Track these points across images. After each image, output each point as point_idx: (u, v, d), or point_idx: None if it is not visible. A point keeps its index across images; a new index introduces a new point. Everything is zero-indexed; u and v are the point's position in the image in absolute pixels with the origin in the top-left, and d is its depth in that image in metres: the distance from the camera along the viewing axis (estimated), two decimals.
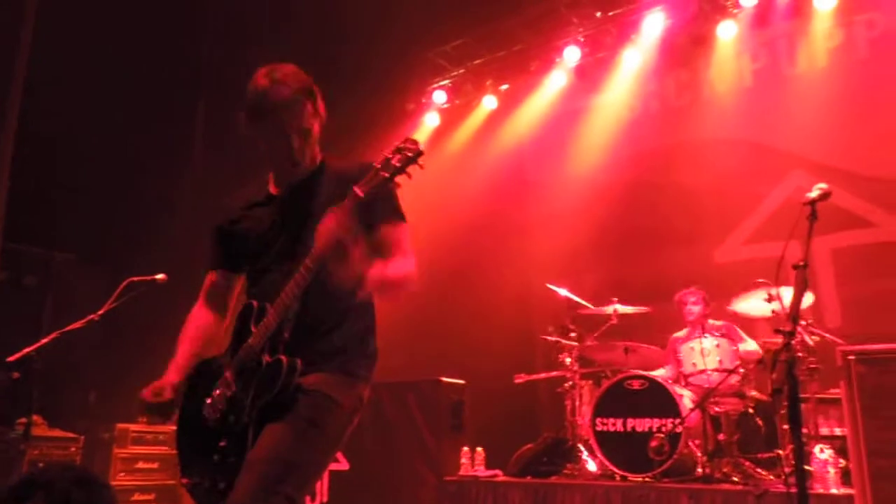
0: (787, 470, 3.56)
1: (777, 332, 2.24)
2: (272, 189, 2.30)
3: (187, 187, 8.55)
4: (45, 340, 4.11)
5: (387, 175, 1.95)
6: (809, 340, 4.52)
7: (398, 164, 1.96)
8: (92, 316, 4.17)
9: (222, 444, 2.03)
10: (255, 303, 2.12)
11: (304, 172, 2.29)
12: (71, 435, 5.65)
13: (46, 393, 6.22)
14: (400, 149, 1.97)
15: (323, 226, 1.89)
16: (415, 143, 1.99)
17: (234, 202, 2.40)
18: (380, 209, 2.13)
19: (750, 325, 5.38)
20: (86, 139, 7.48)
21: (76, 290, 6.66)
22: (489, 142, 8.07)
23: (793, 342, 2.39)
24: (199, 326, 2.35)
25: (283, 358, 2.00)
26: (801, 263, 2.38)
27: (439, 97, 8.35)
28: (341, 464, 5.25)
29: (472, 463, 4.97)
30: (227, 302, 2.41)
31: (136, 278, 4.32)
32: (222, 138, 8.47)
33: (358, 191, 1.93)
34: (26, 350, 4.07)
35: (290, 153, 2.23)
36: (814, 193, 2.50)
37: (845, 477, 3.62)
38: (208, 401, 2.09)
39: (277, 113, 2.20)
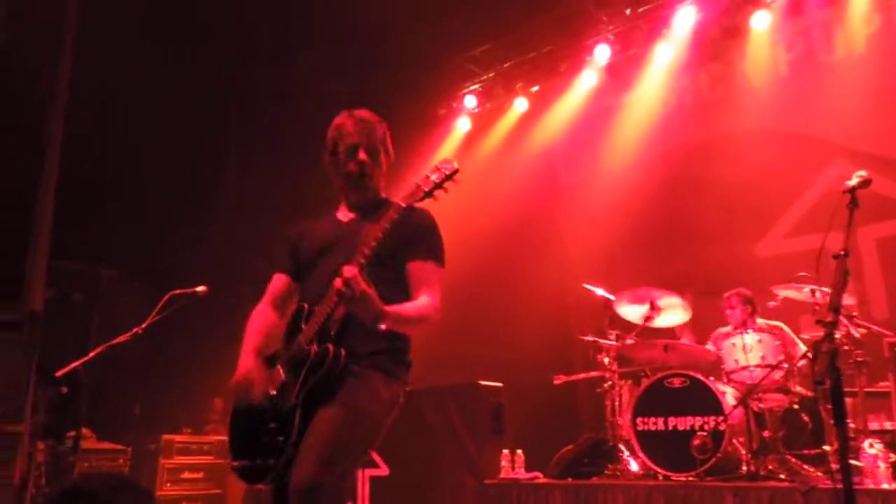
0: (833, 466, 3.46)
1: (819, 323, 2.18)
2: (339, 215, 2.62)
3: (223, 204, 8.71)
4: (91, 354, 4.22)
5: (427, 189, 2.27)
6: (856, 333, 4.40)
7: (436, 181, 2.28)
8: (136, 329, 4.27)
9: (272, 426, 2.27)
10: (306, 305, 2.40)
11: (368, 202, 2.56)
12: (119, 447, 5.79)
13: (94, 406, 6.38)
14: (437, 167, 2.29)
15: (338, 280, 2.12)
16: (450, 162, 2.30)
17: (307, 221, 2.74)
18: (415, 245, 2.42)
19: (795, 319, 5.28)
20: (128, 159, 7.69)
21: (121, 306, 6.82)
22: (521, 144, 8.05)
23: (835, 333, 2.34)
24: (264, 323, 2.56)
25: (330, 346, 2.25)
26: (842, 253, 2.31)
27: (470, 101, 8.37)
28: (381, 469, 5.27)
29: (513, 466, 4.94)
30: (287, 305, 2.62)
31: (177, 291, 4.41)
32: (253, 157, 8.63)
33: (401, 202, 2.25)
34: (73, 364, 4.17)
35: (359, 182, 2.55)
36: (853, 181, 2.43)
37: None
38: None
39: (354, 146, 2.54)
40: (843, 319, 4.44)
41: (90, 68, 7.23)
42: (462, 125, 8.49)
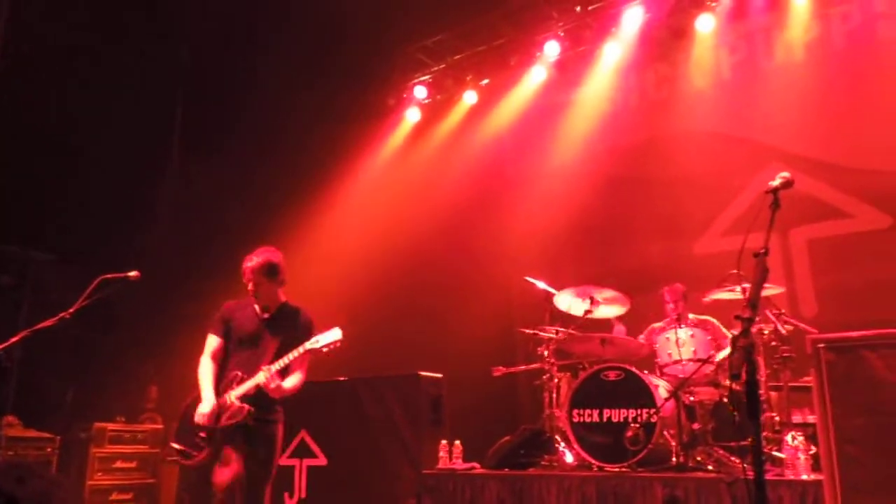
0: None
1: (736, 318, 2.25)
2: (258, 309, 4.02)
3: (166, 190, 8.51)
4: (14, 339, 4.06)
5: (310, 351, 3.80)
6: (783, 330, 4.55)
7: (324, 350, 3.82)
8: (63, 314, 4.11)
9: (202, 434, 3.77)
10: (238, 373, 3.82)
11: (271, 309, 4.02)
12: (46, 435, 5.62)
13: (22, 393, 6.19)
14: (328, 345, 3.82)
15: (266, 381, 3.71)
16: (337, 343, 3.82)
17: (237, 303, 4.09)
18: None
19: (730, 316, 5.42)
20: (64, 139, 7.44)
21: (55, 291, 6.61)
22: (470, 137, 8.07)
23: (752, 328, 2.42)
24: (211, 372, 3.91)
25: (247, 406, 3.75)
26: (762, 251, 2.38)
27: (420, 92, 8.34)
28: (319, 459, 5.25)
29: (451, 456, 4.97)
30: (219, 359, 3.97)
31: (108, 276, 4.28)
32: (200, 142, 8.45)
33: (298, 351, 3.79)
34: None
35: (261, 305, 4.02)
36: (776, 182, 2.50)
37: (816, 463, 3.64)
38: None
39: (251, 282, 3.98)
40: (771, 316, 4.60)
41: (27, 42, 6.98)
42: (411, 116, 8.46)
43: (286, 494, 5.30)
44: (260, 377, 3.70)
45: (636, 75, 7.37)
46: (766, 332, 4.58)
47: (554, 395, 5.13)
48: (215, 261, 7.47)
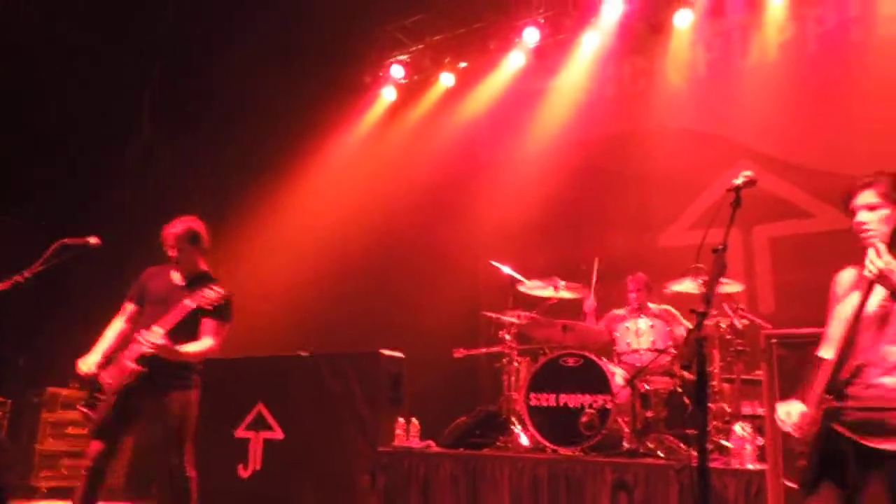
0: (709, 446, 3.65)
1: (692, 311, 2.29)
2: (173, 277, 4.07)
3: (133, 160, 8.37)
4: None
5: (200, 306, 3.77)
6: (738, 324, 4.64)
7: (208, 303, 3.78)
8: (17, 277, 4.03)
9: (98, 395, 3.82)
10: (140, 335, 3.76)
11: (189, 277, 4.04)
12: None
13: None
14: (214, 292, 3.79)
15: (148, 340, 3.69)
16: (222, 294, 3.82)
17: (157, 269, 4.15)
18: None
19: (689, 309, 5.50)
20: (32, 104, 7.26)
21: (17, 254, 6.47)
22: (445, 119, 8.05)
23: (705, 322, 2.47)
24: (114, 331, 4.04)
25: (136, 367, 3.72)
26: (720, 247, 2.42)
27: (397, 72, 8.28)
28: (276, 433, 5.24)
29: (408, 434, 5.00)
30: (133, 323, 4.03)
31: (68, 240, 4.21)
32: (171, 115, 8.31)
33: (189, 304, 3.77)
34: None
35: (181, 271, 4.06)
36: (739, 180, 2.54)
37: (762, 454, 3.73)
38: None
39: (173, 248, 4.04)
40: (728, 311, 4.69)
41: None
42: (387, 94, 8.41)
43: (241, 466, 5.29)
44: (146, 336, 3.68)
45: (613, 67, 7.39)
46: (722, 325, 4.67)
47: (513, 379, 5.18)
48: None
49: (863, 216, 2.47)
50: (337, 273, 7.34)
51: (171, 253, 4.05)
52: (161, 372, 3.73)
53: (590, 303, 5.53)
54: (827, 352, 2.37)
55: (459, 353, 5.69)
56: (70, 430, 5.97)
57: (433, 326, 6.56)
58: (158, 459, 3.96)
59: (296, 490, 5.05)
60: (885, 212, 2.45)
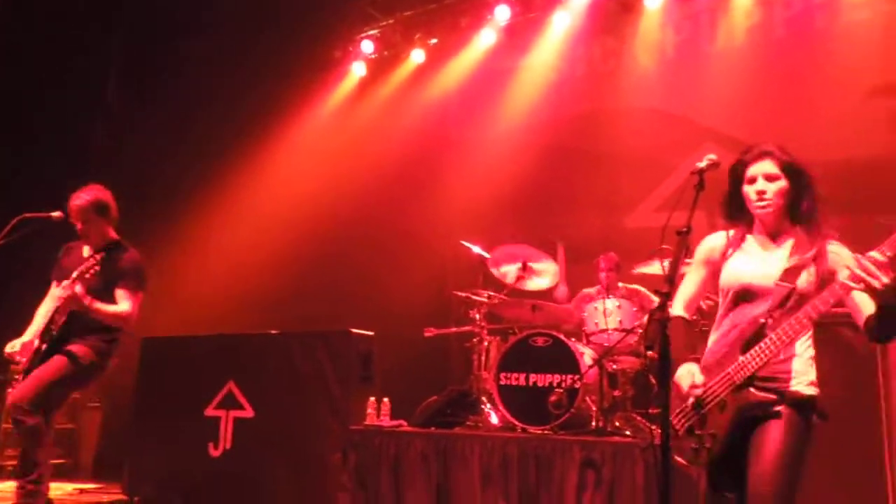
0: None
1: (655, 293, 2.35)
2: (84, 251, 4.22)
3: (100, 133, 8.20)
4: None
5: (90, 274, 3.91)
6: (703, 305, 4.74)
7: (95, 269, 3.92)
8: None
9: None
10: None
11: (100, 247, 4.13)
12: None
13: None
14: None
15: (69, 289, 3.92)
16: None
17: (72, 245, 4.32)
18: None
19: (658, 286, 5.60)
20: None
21: None
22: (415, 96, 8.02)
23: (668, 302, 2.54)
24: (42, 313, 4.22)
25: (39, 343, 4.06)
26: (684, 230, 2.48)
27: (367, 47, 8.22)
28: (246, 411, 5.25)
29: (378, 413, 5.04)
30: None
31: (29, 214, 4.17)
32: (139, 87, 8.14)
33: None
34: None
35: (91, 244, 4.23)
36: (703, 163, 2.58)
37: None
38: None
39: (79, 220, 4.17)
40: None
41: None
42: (357, 70, 8.34)
43: (210, 444, 5.29)
44: (62, 286, 3.86)
45: (583, 46, 7.41)
46: (703, 304, 4.75)
47: (483, 358, 5.24)
48: (147, 208, 7.30)
49: (762, 185, 2.52)
50: (306, 251, 7.31)
51: (78, 226, 4.11)
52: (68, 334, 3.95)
53: (561, 290, 5.60)
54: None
55: (430, 332, 5.73)
56: None
57: (403, 305, 6.59)
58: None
59: (267, 468, 5.07)
60: (782, 184, 2.53)
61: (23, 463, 3.90)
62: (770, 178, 2.52)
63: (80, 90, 7.73)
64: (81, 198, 4.06)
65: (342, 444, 4.86)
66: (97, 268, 3.87)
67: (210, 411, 5.37)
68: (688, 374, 2.48)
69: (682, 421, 2.47)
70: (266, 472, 5.07)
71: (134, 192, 7.07)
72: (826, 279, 2.41)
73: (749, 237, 2.64)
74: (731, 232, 2.65)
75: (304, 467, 4.98)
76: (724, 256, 2.63)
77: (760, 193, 2.53)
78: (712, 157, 2.58)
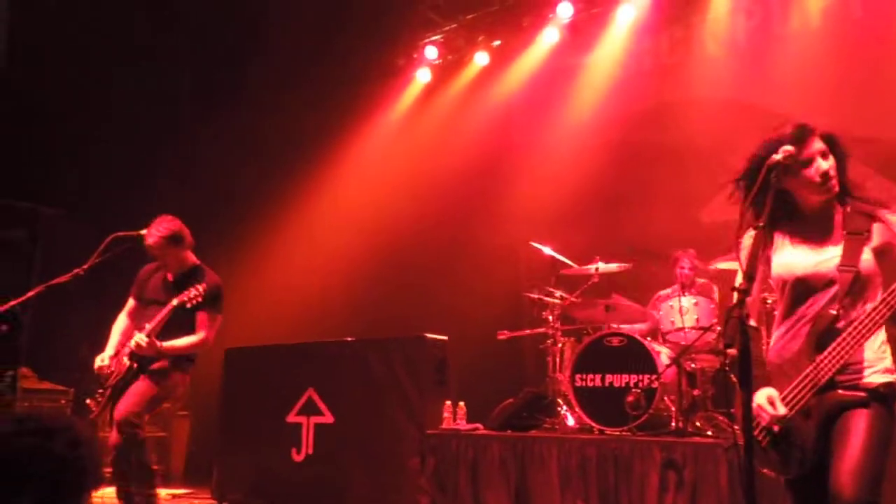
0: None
1: (732, 289, 2.27)
2: (169, 275, 4.35)
3: (174, 147, 8.54)
4: (30, 294, 4.18)
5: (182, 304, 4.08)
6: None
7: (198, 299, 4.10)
8: (77, 270, 4.23)
9: (100, 391, 4.26)
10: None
11: (180, 273, 4.30)
12: (60, 388, 5.74)
13: (38, 346, 6.32)
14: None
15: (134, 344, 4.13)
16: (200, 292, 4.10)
17: (153, 267, 4.45)
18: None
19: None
20: (76, 95, 7.46)
21: (65, 245, 6.71)
22: (480, 99, 8.01)
23: (756, 298, 2.46)
24: (120, 327, 4.43)
25: (133, 364, 4.20)
26: (761, 224, 2.39)
27: (431, 52, 8.25)
28: (326, 417, 5.36)
29: (454, 417, 5.06)
30: (135, 317, 4.40)
31: (121, 233, 4.37)
32: (209, 104, 8.44)
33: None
34: (12, 303, 4.13)
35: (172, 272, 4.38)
36: (779, 156, 2.46)
37: None
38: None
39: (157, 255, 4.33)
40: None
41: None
42: (422, 76, 8.40)
43: (294, 450, 5.43)
44: (135, 338, 4.04)
45: (650, 39, 7.25)
46: (769, 301, 4.59)
47: (557, 360, 5.21)
48: (222, 222, 7.57)
49: (823, 164, 2.39)
50: (378, 258, 7.42)
51: (157, 259, 4.29)
52: (151, 363, 4.12)
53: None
54: None
55: (503, 335, 5.73)
56: None
57: (476, 309, 6.60)
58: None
59: (348, 472, 5.17)
60: (832, 161, 2.39)
61: (138, 472, 4.13)
62: (825, 156, 2.41)
63: (157, 105, 8.07)
64: (153, 235, 4.20)
65: (420, 448, 4.91)
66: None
67: (292, 418, 5.52)
68: (767, 403, 2.27)
69: (765, 432, 2.34)
70: (347, 477, 5.18)
71: (208, 209, 7.37)
72: (887, 254, 2.29)
73: (792, 223, 2.49)
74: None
75: (384, 471, 5.06)
76: (772, 248, 2.49)
77: (825, 175, 2.38)
78: (788, 148, 2.46)
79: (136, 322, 4.29)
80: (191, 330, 4.17)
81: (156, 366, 4.19)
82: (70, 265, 4.32)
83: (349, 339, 5.62)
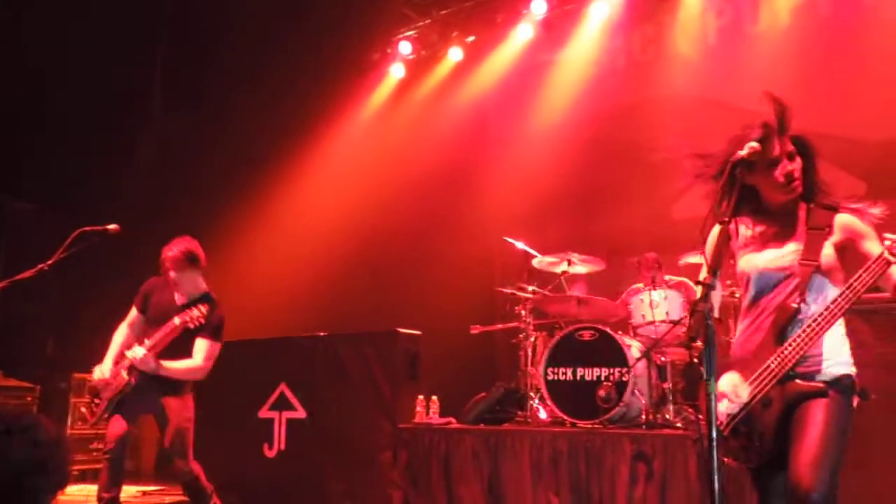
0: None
1: (697, 283, 2.31)
2: (176, 296, 4.18)
3: (147, 142, 8.43)
4: None
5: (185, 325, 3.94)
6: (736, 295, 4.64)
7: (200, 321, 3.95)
8: (42, 265, 4.14)
9: (97, 401, 4.12)
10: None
11: (190, 297, 4.15)
12: (27, 384, 5.65)
13: (3, 342, 6.22)
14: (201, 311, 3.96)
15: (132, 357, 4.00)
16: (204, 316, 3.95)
17: (160, 281, 4.24)
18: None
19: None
20: (43, 87, 7.32)
21: (35, 241, 6.60)
22: (454, 94, 8.04)
23: (711, 293, 2.49)
24: (121, 338, 4.21)
25: (130, 379, 4.00)
26: (725, 219, 2.42)
27: (405, 48, 8.27)
28: (298, 412, 5.35)
29: (427, 411, 5.08)
30: (137, 329, 4.23)
31: (87, 228, 4.30)
32: (180, 94, 8.33)
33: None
34: None
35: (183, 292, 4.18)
36: (744, 151, 2.49)
37: None
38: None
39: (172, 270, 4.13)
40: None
41: None
42: (396, 71, 8.39)
43: (265, 445, 5.41)
44: (133, 352, 3.97)
45: (622, 37, 7.33)
46: (737, 294, 4.67)
47: (530, 354, 5.24)
48: (192, 218, 7.47)
49: (789, 165, 2.43)
50: (351, 252, 7.40)
51: (171, 275, 4.17)
52: (152, 379, 4.00)
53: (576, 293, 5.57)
54: None
55: (476, 329, 5.75)
56: None
57: (449, 303, 6.62)
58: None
59: (320, 467, 5.16)
60: (799, 163, 2.44)
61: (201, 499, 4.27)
62: (792, 157, 2.45)
63: (126, 96, 7.94)
64: (174, 250, 4.14)
65: (393, 442, 4.92)
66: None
67: (264, 413, 5.50)
68: (731, 388, 2.37)
69: (728, 421, 2.40)
70: (319, 472, 5.16)
71: (177, 205, 7.29)
72: (848, 249, 2.34)
73: (757, 218, 2.54)
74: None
75: (357, 466, 5.05)
76: (736, 242, 2.54)
77: (790, 176, 2.43)
78: (753, 144, 2.50)
79: (137, 335, 4.19)
80: (188, 354, 4.06)
81: (168, 387, 4.10)
82: (36, 260, 4.24)
83: (322, 333, 5.60)
